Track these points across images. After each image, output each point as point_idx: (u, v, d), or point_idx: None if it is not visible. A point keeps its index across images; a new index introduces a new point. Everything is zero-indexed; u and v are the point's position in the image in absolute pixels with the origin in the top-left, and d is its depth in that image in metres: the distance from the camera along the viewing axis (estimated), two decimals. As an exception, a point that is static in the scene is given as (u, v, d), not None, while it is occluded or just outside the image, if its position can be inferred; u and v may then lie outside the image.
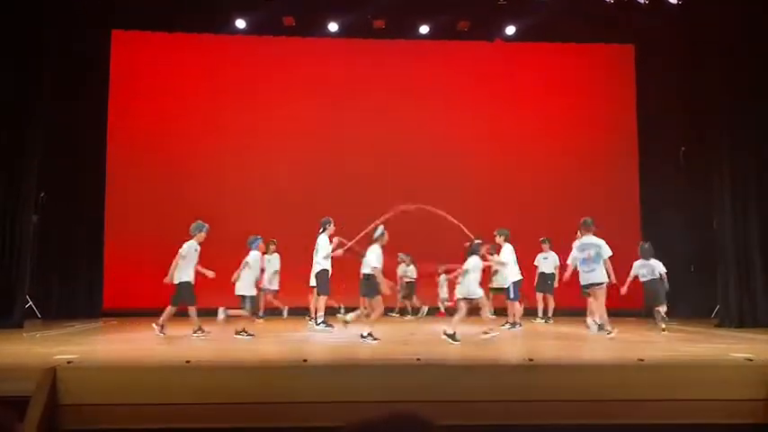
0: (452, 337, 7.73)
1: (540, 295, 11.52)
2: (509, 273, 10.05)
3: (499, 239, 10.20)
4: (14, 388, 4.82)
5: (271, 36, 13.41)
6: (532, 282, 11.37)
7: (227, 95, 13.53)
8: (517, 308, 10.10)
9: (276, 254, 11.59)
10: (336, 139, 13.46)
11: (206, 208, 12.68)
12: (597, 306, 8.82)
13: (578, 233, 9.15)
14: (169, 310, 8.76)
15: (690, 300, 12.33)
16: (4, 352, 7.03)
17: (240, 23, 12.90)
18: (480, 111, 13.83)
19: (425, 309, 12.39)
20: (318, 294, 9.80)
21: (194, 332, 8.63)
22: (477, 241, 8.66)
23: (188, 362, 5.54)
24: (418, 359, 5.66)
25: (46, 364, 5.01)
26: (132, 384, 5.03)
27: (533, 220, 12.75)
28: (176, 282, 8.81)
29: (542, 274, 11.42)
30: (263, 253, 10.44)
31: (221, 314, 8.86)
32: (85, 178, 12.45)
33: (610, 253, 8.72)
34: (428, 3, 12.42)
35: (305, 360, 5.61)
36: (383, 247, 8.23)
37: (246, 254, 9.15)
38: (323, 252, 9.68)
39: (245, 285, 8.96)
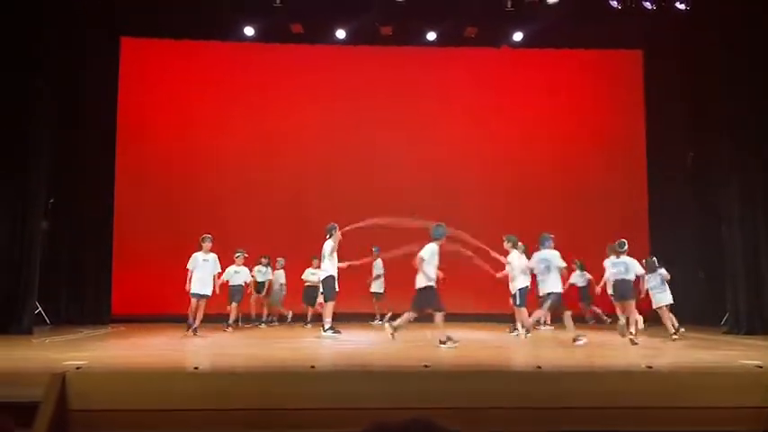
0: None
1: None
2: (516, 280, 10.05)
3: (507, 245, 10.19)
4: (24, 393, 4.84)
5: (279, 43, 13.47)
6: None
7: (235, 102, 13.58)
8: (524, 315, 10.06)
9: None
10: (345, 144, 13.48)
11: (215, 214, 12.77)
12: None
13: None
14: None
15: (699, 306, 12.26)
16: (13, 357, 7.08)
17: (248, 31, 12.95)
18: (487, 117, 13.82)
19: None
20: (326, 300, 9.81)
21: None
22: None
23: (196, 368, 5.57)
24: (426, 366, 5.66)
25: (55, 370, 5.03)
26: (140, 390, 5.05)
27: (541, 226, 12.70)
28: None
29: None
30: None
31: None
32: (94, 185, 12.51)
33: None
34: (435, 9, 12.42)
35: (312, 366, 5.62)
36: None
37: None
38: (329, 258, 9.71)
39: (553, 283, 8.85)
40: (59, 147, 11.56)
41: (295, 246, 12.21)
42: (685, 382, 5.32)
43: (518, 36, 13.13)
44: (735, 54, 10.74)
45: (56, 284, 12.02)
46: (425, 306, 8.47)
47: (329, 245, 9.74)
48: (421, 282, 8.38)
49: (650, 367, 5.59)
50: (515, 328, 10.21)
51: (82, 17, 11.98)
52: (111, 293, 12.48)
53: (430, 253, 8.37)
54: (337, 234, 9.81)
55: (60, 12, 11.18)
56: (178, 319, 11.55)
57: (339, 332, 9.69)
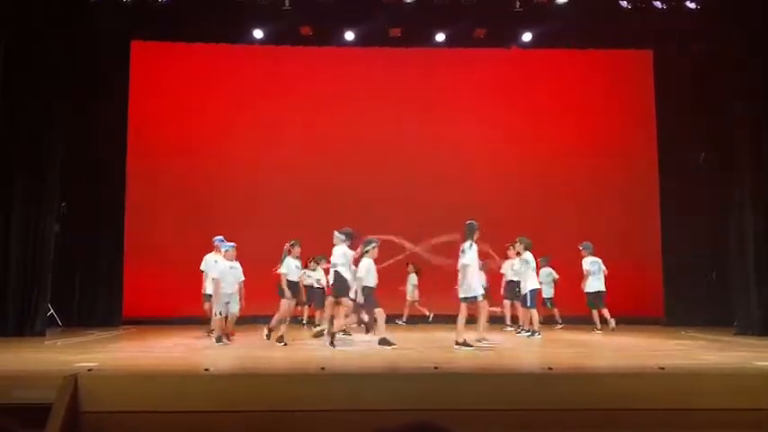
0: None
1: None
2: (528, 281, 10.04)
3: (518, 248, 10.18)
4: (36, 395, 4.87)
5: (288, 46, 13.50)
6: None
7: (245, 104, 13.63)
8: (534, 316, 10.04)
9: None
10: (353, 145, 13.50)
11: (225, 216, 12.81)
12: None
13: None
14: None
15: (710, 307, 12.18)
16: (26, 359, 7.13)
17: (258, 34, 12.99)
18: (497, 118, 13.79)
19: None
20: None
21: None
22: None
23: (207, 370, 5.59)
24: (436, 367, 5.65)
25: (67, 372, 5.06)
26: (152, 392, 5.07)
27: (551, 227, 12.69)
28: None
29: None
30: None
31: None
32: (106, 188, 12.57)
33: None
34: (444, 11, 12.41)
35: (323, 368, 5.62)
36: None
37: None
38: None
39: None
40: (71, 150, 11.64)
41: (308, 247, 12.20)
42: (698, 384, 5.28)
43: (527, 36, 13.09)
44: (748, 52, 10.65)
45: (68, 287, 12.10)
46: None
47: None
48: None
49: (662, 369, 5.56)
50: (524, 329, 10.21)
51: (93, 22, 12.06)
52: (123, 296, 12.54)
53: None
54: (349, 242, 9.76)
55: (72, 17, 11.25)
56: (189, 321, 11.61)
57: (350, 334, 9.69)
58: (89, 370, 5.30)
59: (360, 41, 13.21)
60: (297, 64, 13.66)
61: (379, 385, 5.22)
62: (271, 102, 13.63)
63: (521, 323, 10.87)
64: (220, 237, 9.96)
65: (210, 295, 9.51)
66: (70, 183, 11.80)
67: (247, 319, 11.18)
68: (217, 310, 8.92)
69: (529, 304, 10.02)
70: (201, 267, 10.07)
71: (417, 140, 13.49)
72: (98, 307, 12.30)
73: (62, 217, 11.73)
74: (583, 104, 13.87)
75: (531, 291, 10.00)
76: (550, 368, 5.62)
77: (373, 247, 8.65)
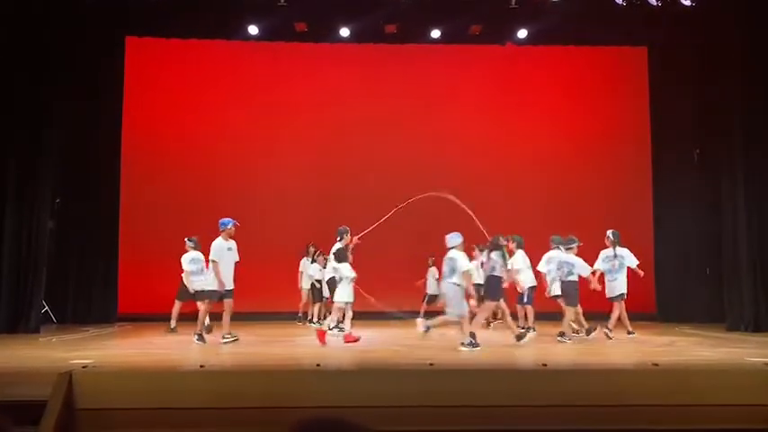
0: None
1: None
2: (524, 278, 10.04)
3: (512, 245, 10.17)
4: (31, 392, 4.87)
5: (283, 42, 13.47)
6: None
7: (240, 101, 13.60)
8: (530, 312, 10.05)
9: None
10: (350, 142, 13.49)
11: (221, 213, 12.76)
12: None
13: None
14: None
15: (705, 303, 12.22)
16: (20, 356, 7.12)
17: (252, 30, 12.94)
18: (492, 114, 13.80)
19: None
20: (332, 300, 9.82)
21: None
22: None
23: (202, 366, 5.59)
24: (431, 364, 5.66)
25: (62, 369, 5.05)
26: (147, 389, 5.07)
27: (546, 223, 12.68)
28: None
29: None
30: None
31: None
32: (100, 184, 12.54)
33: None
34: (440, 7, 12.40)
35: (318, 365, 5.63)
36: None
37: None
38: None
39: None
40: (65, 146, 11.60)
41: (301, 245, 12.21)
42: (691, 380, 5.31)
43: (522, 33, 13.08)
44: (745, 50, 10.67)
45: (62, 283, 12.07)
46: None
47: (337, 247, 9.73)
48: None
49: (656, 365, 5.58)
50: (529, 327, 10.22)
51: (87, 17, 11.99)
52: (118, 292, 12.51)
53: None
54: (347, 237, 9.79)
55: (65, 12, 11.21)
56: (185, 319, 11.58)
57: (343, 330, 9.69)
58: (84, 367, 5.29)
59: (355, 38, 13.18)
60: (293, 60, 13.63)
61: (373, 382, 5.23)
62: (266, 98, 13.59)
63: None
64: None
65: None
66: (64, 179, 11.77)
67: (242, 317, 11.21)
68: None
69: (525, 301, 10.04)
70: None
71: (413, 137, 13.48)
72: (93, 304, 12.26)
73: (56, 213, 11.70)
74: (577, 101, 13.88)
75: (528, 288, 10.01)
76: (545, 364, 5.64)
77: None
